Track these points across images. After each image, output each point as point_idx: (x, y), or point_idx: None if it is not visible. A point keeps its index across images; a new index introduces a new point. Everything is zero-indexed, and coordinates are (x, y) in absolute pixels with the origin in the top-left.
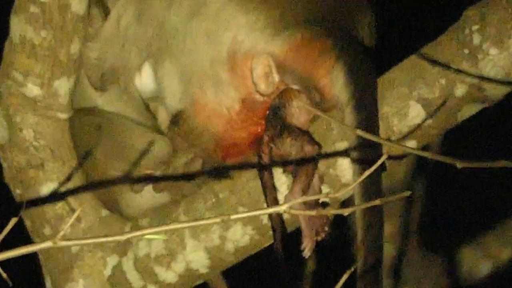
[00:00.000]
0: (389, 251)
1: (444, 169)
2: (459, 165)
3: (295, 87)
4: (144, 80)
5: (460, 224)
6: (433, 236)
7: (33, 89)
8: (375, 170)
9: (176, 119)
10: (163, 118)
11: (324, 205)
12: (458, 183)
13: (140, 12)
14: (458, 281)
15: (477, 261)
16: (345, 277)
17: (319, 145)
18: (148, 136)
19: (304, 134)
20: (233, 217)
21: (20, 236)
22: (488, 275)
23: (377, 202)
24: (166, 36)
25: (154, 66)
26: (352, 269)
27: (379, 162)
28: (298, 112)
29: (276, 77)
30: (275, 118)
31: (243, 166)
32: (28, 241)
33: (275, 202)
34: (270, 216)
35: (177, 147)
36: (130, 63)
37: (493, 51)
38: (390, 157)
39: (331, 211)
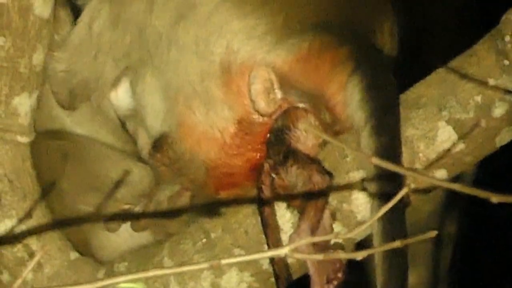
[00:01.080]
0: None
1: (480, 204)
2: (494, 199)
3: (301, 105)
4: (121, 97)
5: (499, 270)
6: (467, 284)
7: None
8: (396, 205)
9: (159, 143)
10: (144, 143)
11: (337, 247)
12: (497, 221)
13: (116, 15)
14: None
15: None
16: None
17: (331, 175)
18: (126, 163)
19: (313, 162)
20: (225, 261)
21: None
22: None
23: (397, 243)
24: (147, 44)
25: (133, 80)
26: None
27: (400, 195)
28: (305, 135)
29: (278, 94)
30: (278, 143)
31: (239, 201)
32: None
33: (278, 243)
34: (272, 260)
35: (160, 177)
36: (104, 77)
37: None
38: (414, 190)
39: (343, 256)
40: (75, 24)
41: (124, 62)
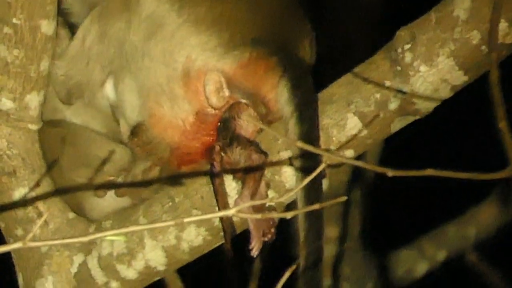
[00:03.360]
0: (330, 252)
1: (383, 176)
2: (390, 173)
3: (243, 101)
4: (106, 95)
5: (398, 228)
6: (372, 238)
7: (6, 103)
8: (315, 177)
9: (136, 130)
10: (124, 130)
11: (271, 209)
12: (397, 190)
13: (103, 33)
14: (396, 281)
15: (414, 262)
16: (287, 274)
17: (266, 154)
18: (110, 145)
19: (252, 144)
20: (186, 219)
21: None
22: (424, 275)
23: (316, 206)
24: (126, 55)
25: (115, 81)
26: (294, 267)
27: (318, 170)
28: (246, 124)
29: (226, 92)
30: (226, 129)
31: (196, 173)
32: (2, 241)
33: (226, 206)
34: (221, 219)
35: (136, 156)
36: (93, 79)
37: (423, 68)
38: (329, 166)
39: (275, 215)
40: (71, 39)
41: (108, 68)
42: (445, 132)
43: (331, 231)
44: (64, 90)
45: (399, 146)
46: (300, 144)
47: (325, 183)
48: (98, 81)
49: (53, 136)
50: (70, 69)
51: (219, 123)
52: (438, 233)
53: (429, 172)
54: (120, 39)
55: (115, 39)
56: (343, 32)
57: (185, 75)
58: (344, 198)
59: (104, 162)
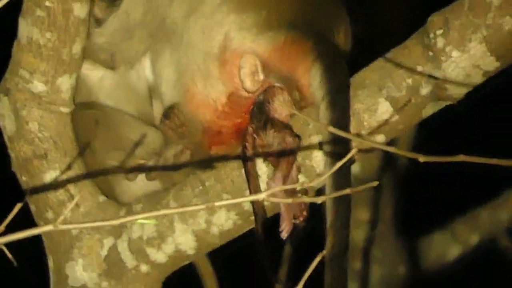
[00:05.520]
0: (362, 235)
1: (416, 162)
2: (421, 159)
3: (278, 85)
4: (143, 73)
5: (431, 212)
6: (405, 223)
7: (38, 86)
8: (345, 162)
9: (168, 112)
10: (157, 112)
11: (302, 193)
12: (431, 175)
13: (146, 7)
14: (428, 265)
15: (447, 246)
16: (317, 260)
17: (300, 138)
18: (143, 128)
19: (286, 127)
20: (217, 203)
21: (26, 220)
22: (457, 259)
23: (347, 191)
24: (167, 30)
25: (154, 57)
26: (322, 254)
27: (349, 155)
28: (280, 107)
29: (261, 76)
30: (259, 112)
31: (227, 157)
32: (33, 224)
33: (257, 189)
34: (252, 202)
35: (168, 139)
36: (135, 49)
37: (455, 53)
38: (360, 151)
39: (307, 199)
40: (115, 10)
41: (148, 41)
42: (479, 117)
43: (362, 215)
44: (108, 55)
45: (433, 132)
46: (331, 129)
47: (357, 167)
48: (140, 53)
49: (86, 118)
50: (114, 37)
51: (252, 106)
52: (471, 217)
53: (461, 158)
54: (162, 14)
55: (158, 14)
56: (379, 18)
57: (221, 55)
58: (375, 183)
59: (137, 145)
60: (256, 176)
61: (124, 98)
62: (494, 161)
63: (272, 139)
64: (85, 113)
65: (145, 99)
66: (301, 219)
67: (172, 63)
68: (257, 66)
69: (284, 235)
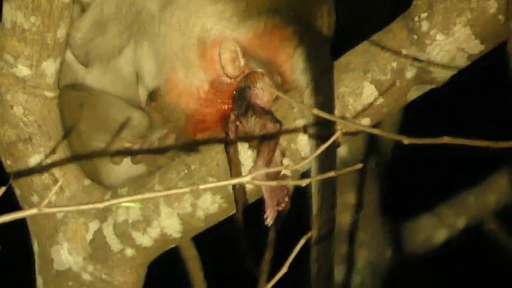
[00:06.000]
0: (348, 218)
1: (402, 145)
2: (405, 141)
3: (259, 70)
4: (128, 60)
5: (418, 196)
6: (391, 206)
7: (22, 70)
8: (330, 145)
9: (153, 94)
10: (143, 95)
11: (285, 178)
12: (417, 158)
13: (122, 1)
14: (415, 248)
15: (434, 229)
16: (301, 242)
17: (281, 123)
18: (129, 110)
19: (267, 113)
20: (202, 186)
21: (11, 204)
22: (444, 242)
23: (331, 174)
24: (144, 22)
25: (134, 47)
26: (308, 236)
27: (333, 138)
28: (262, 93)
29: (242, 62)
30: (241, 98)
31: (212, 141)
32: (18, 208)
33: (239, 175)
34: (234, 188)
35: (153, 122)
36: (112, 44)
37: (440, 37)
38: (344, 133)
39: (290, 182)
40: (90, 4)
41: (127, 33)
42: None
43: (349, 198)
44: (82, 53)
45: (418, 116)
46: (316, 111)
47: (344, 151)
48: (117, 46)
49: (72, 100)
50: (88, 33)
51: (234, 92)
52: (458, 200)
53: (445, 139)
54: (137, 6)
55: (133, 6)
56: (363, 1)
57: (200, 44)
58: (360, 165)
59: (122, 126)
60: (238, 161)
61: (109, 81)
62: (477, 142)
63: (253, 125)
64: (71, 95)
65: (132, 83)
66: (284, 205)
67: (152, 54)
68: (237, 51)
69: (268, 221)
